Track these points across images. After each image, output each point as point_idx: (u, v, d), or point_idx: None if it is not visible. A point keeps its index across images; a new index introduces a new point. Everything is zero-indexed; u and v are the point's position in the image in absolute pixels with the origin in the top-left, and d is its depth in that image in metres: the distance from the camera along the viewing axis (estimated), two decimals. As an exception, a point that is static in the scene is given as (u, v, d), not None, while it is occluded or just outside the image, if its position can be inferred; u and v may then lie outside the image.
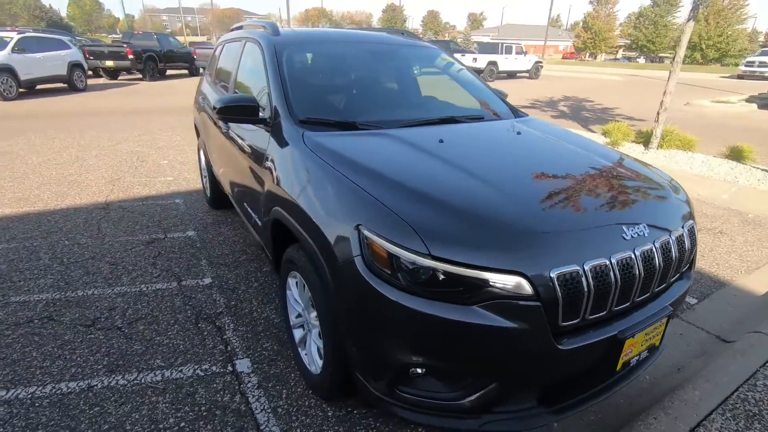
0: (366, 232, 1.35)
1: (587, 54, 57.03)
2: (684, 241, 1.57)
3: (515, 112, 2.65)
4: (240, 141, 2.49)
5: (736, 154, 5.78)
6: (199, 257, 3.21)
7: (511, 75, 21.79)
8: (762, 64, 22.75)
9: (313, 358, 1.89)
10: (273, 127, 2.10)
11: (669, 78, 5.84)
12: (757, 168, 5.51)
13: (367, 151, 1.80)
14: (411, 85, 2.88)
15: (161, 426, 1.78)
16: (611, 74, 27.27)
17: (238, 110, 2.13)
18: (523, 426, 1.39)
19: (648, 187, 1.74)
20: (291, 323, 2.12)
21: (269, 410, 1.87)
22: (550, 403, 1.43)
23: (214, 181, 3.77)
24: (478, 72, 19.77)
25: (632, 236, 1.41)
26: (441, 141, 1.93)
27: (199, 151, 4.20)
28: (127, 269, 3.01)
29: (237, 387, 1.99)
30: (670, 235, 1.52)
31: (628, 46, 56.91)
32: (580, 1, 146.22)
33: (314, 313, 1.83)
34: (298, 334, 2.08)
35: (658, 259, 1.44)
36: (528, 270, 1.23)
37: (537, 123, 2.51)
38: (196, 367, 2.12)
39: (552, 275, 1.24)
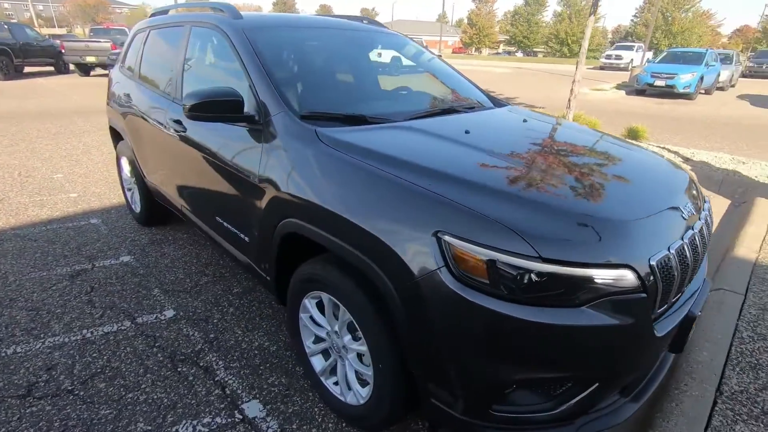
0: (450, 239, 1.17)
1: (473, 49, 61.23)
2: (709, 217, 1.66)
3: (495, 100, 2.62)
4: (209, 146, 2.08)
5: (633, 134, 6.59)
6: (148, 286, 2.67)
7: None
8: (618, 57, 26.50)
9: (351, 387, 1.65)
10: (265, 125, 1.77)
11: (576, 69, 6.43)
12: (655, 145, 6.35)
13: (406, 147, 1.59)
14: (405, 74, 2.68)
15: None
16: (500, 67, 29.56)
17: (218, 107, 1.76)
18: (614, 420, 1.34)
19: (671, 168, 1.80)
20: (307, 350, 1.83)
21: (306, 457, 1.59)
22: (628, 392, 1.40)
23: (147, 194, 3.19)
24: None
25: (688, 215, 1.44)
26: (467, 132, 1.79)
27: (119, 159, 3.52)
28: (54, 314, 2.38)
29: (256, 437, 1.67)
30: (704, 210, 1.59)
31: (507, 41, 62.49)
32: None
33: (348, 336, 1.60)
34: (318, 362, 1.81)
35: (705, 234, 1.50)
36: (634, 262, 1.16)
37: (523, 110, 2.51)
38: (194, 423, 1.73)
39: (652, 263, 1.19)
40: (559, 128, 2.17)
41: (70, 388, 1.88)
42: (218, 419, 1.75)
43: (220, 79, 2.23)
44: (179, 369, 2.01)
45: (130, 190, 3.57)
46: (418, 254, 1.21)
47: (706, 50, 14.13)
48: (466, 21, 62.99)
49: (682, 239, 1.33)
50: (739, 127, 8.80)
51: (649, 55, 24.13)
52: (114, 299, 2.54)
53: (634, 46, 27.62)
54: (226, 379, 1.96)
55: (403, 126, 1.81)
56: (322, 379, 1.80)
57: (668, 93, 13.18)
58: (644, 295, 1.17)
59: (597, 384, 1.25)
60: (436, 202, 1.24)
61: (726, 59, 15.95)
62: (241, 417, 1.76)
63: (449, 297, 1.16)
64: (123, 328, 2.29)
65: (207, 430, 1.70)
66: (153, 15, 3.26)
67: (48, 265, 2.87)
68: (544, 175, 1.46)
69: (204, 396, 1.86)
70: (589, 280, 1.12)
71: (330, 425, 1.74)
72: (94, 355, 2.09)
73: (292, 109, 1.75)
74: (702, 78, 13.03)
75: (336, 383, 1.77)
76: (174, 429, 1.70)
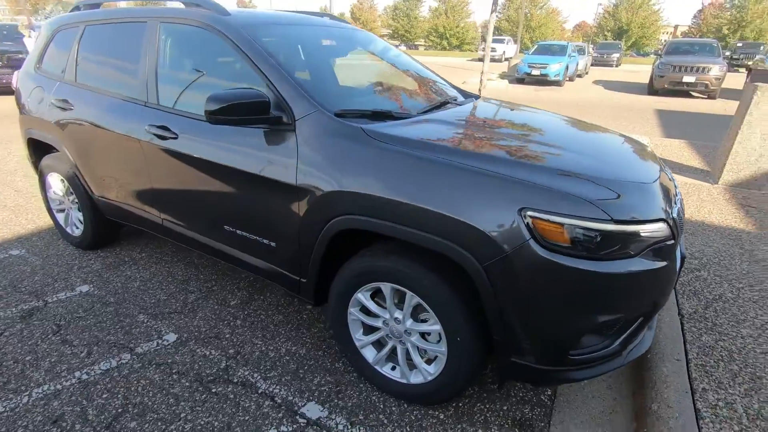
0: (534, 214, 1.34)
1: (359, 42, 62.13)
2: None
3: (465, 93, 2.84)
4: (218, 151, 1.94)
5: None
6: (129, 314, 2.40)
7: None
8: (493, 50, 29.31)
9: (417, 367, 1.74)
10: (297, 126, 1.74)
11: (484, 62, 7.09)
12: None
13: (450, 138, 1.71)
14: (391, 70, 2.72)
15: None
16: (390, 60, 30.55)
17: (245, 109, 1.68)
18: (645, 346, 1.67)
19: (642, 145, 2.19)
20: (357, 343, 1.88)
21: (387, 441, 1.66)
22: (647, 322, 1.74)
23: (95, 213, 2.81)
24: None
25: (671, 179, 1.82)
26: (485, 121, 1.97)
27: (44, 177, 3.01)
28: (25, 362, 2.03)
29: (331, 435, 1.68)
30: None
31: (390, 35, 64.66)
32: None
33: (410, 320, 1.70)
34: (369, 352, 1.87)
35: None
36: (666, 216, 1.46)
37: (497, 100, 2.77)
38: (260, 436, 1.67)
39: (674, 216, 1.51)
40: (545, 114, 2.44)
41: (94, 435, 1.67)
42: (283, 428, 1.71)
43: (219, 81, 2.08)
44: (214, 390, 1.89)
45: (62, 211, 3.09)
46: (506, 231, 1.36)
47: (568, 43, 16.43)
48: (348, 15, 63.49)
49: (677, 195, 1.69)
50: (604, 108, 10.49)
51: (516, 48, 27.13)
52: (95, 333, 2.23)
53: (504, 40, 30.72)
54: (271, 389, 1.90)
55: (428, 119, 1.92)
56: (377, 367, 1.86)
57: (542, 81, 15.05)
58: (673, 241, 1.49)
59: (641, 318, 1.55)
60: (514, 184, 1.40)
61: (580, 51, 18.70)
62: (305, 421, 1.75)
63: (539, 263, 1.34)
64: (124, 361, 2.05)
65: (291, 427, 1.66)
66: (76, 9, 2.85)
67: (-17, 310, 2.39)
68: (567, 153, 1.71)
69: (255, 410, 1.79)
70: (641, 233, 1.39)
71: (393, 408, 1.82)
72: (105, 395, 1.85)
73: (326, 108, 1.75)
74: (567, 67, 15.14)
75: (393, 368, 1.85)
76: (242, 447, 1.63)
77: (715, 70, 11.85)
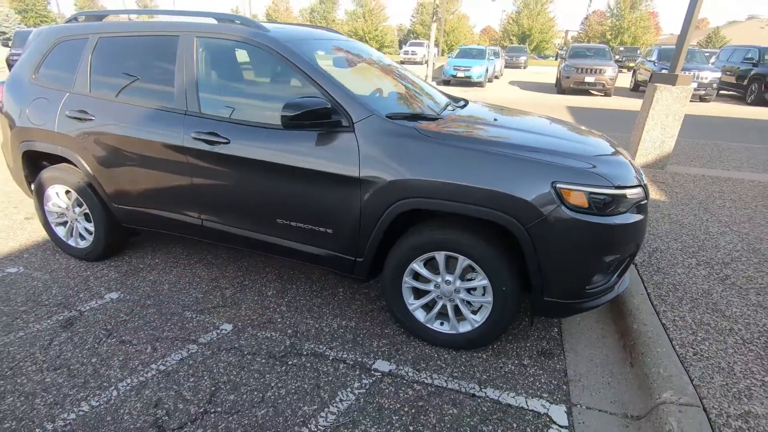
0: (563, 186, 1.84)
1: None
2: None
3: (454, 97, 3.31)
4: (275, 153, 2.19)
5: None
6: (174, 312, 2.52)
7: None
8: (413, 53, 30.67)
9: (466, 318, 2.17)
10: (356, 128, 2.08)
11: (427, 65, 7.68)
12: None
13: (484, 133, 2.15)
14: (395, 78, 2.97)
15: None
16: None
17: (316, 115, 2.00)
18: (626, 283, 2.26)
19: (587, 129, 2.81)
20: (410, 307, 2.26)
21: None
22: (631, 261, 2.32)
23: (110, 222, 2.85)
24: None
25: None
26: (495, 120, 2.45)
27: (43, 190, 2.94)
28: (93, 364, 2.11)
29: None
30: None
31: (309, 37, 64.21)
32: None
33: (459, 281, 2.12)
34: (420, 314, 2.27)
35: None
36: (641, 182, 2.05)
37: (483, 102, 3.28)
38: (348, 390, 1.98)
39: (644, 183, 2.10)
40: (528, 113, 2.98)
41: (201, 410, 1.86)
42: (364, 380, 2.04)
43: (265, 91, 2.32)
44: (290, 362, 2.16)
45: (63, 224, 3.04)
46: (543, 199, 1.84)
47: (486, 47, 17.88)
48: (264, 17, 61.92)
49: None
50: (525, 106, 11.74)
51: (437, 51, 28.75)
52: (149, 332, 2.35)
53: (423, 43, 32.25)
54: (340, 356, 2.21)
55: (455, 119, 2.35)
56: (428, 325, 2.26)
57: (466, 82, 16.27)
58: (646, 201, 2.08)
59: (628, 258, 2.12)
60: (546, 165, 1.88)
61: (496, 54, 20.41)
62: (379, 373, 2.09)
63: (567, 221, 1.84)
64: (193, 351, 2.22)
65: (363, 390, 1.99)
66: (73, 20, 2.85)
67: (12, 326, 2.37)
68: (566, 142, 2.24)
69: (334, 372, 2.10)
70: (629, 196, 1.95)
71: (446, 356, 2.23)
72: (192, 379, 2.03)
73: (378, 113, 2.11)
74: (487, 69, 16.53)
75: (441, 324, 2.26)
76: (336, 399, 1.93)
77: (610, 71, 13.82)
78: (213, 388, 1.98)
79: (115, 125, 2.55)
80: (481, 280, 2.07)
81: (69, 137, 2.68)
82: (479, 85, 16.33)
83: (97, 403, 1.88)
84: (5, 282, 2.79)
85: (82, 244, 3.02)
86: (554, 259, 1.92)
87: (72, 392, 1.94)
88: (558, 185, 1.85)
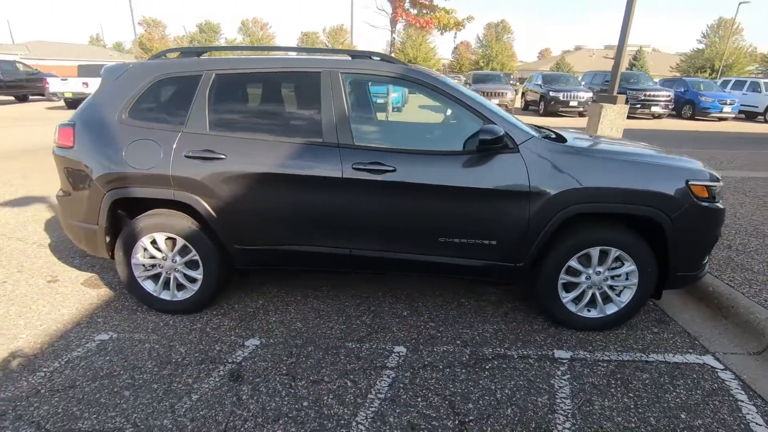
0: (693, 182, 2.39)
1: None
2: None
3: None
4: (447, 176, 2.42)
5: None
6: (336, 346, 2.49)
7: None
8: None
9: (614, 300, 2.59)
10: (521, 148, 2.39)
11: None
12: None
13: (617, 148, 2.64)
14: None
15: None
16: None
17: (500, 140, 2.28)
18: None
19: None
20: (563, 300, 2.60)
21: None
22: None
23: (224, 265, 2.68)
24: (93, 99, 16.60)
25: None
26: (599, 139, 2.97)
27: (138, 239, 2.60)
28: (321, 410, 2.03)
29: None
30: None
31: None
32: (123, 21, 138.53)
33: (607, 271, 2.54)
34: (571, 305, 2.62)
35: None
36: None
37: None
38: (548, 363, 2.24)
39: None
40: (597, 135, 3.57)
41: (457, 422, 1.95)
42: (559, 369, 2.31)
43: (427, 120, 2.48)
44: (487, 366, 2.33)
45: (155, 276, 2.73)
46: (681, 194, 2.37)
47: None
48: (137, 46, 57.05)
49: None
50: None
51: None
52: (331, 368, 2.30)
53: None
54: (521, 353, 2.45)
55: (579, 138, 2.79)
56: (579, 313, 2.62)
57: (384, 108, 17.21)
58: (721, 190, 2.75)
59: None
60: (679, 168, 2.43)
61: (401, 81, 21.91)
62: (566, 360, 2.39)
63: (698, 209, 2.39)
64: (392, 375, 2.25)
65: (569, 375, 2.26)
66: (161, 56, 2.67)
67: (176, 392, 2.12)
68: (669, 153, 2.80)
69: (528, 367, 2.33)
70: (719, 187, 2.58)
71: (598, 336, 2.61)
72: (419, 399, 2.09)
73: (534, 135, 2.46)
74: (402, 95, 17.69)
75: (589, 310, 2.64)
76: (556, 386, 2.17)
77: (510, 94, 15.95)
78: (446, 402, 2.07)
79: (252, 163, 2.46)
80: (628, 267, 2.51)
81: (188, 179, 2.48)
82: (398, 110, 17.39)
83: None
84: (110, 350, 2.42)
85: (180, 296, 2.74)
86: (688, 240, 2.45)
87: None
88: (690, 182, 2.40)
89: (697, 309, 2.95)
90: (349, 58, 2.60)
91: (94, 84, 16.61)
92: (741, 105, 16.97)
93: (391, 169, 2.42)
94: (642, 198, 2.38)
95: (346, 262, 2.63)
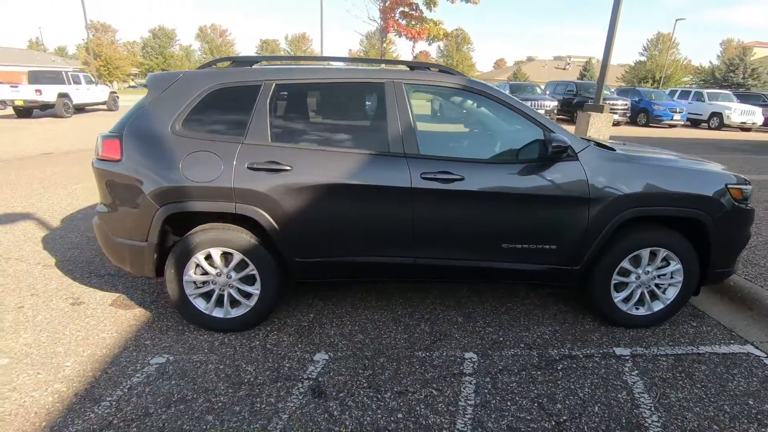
0: (731, 186, 2.60)
1: (109, 81, 53.59)
2: None
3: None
4: (512, 185, 2.49)
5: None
6: (408, 356, 2.48)
7: (81, 108, 18.40)
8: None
9: (660, 298, 2.74)
10: (580, 157, 2.50)
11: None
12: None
13: (658, 157, 2.80)
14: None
15: None
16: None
17: (565, 149, 2.38)
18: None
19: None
20: (615, 299, 2.73)
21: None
22: None
23: (281, 280, 2.62)
24: (48, 107, 15.57)
25: None
26: (642, 146, 3.15)
27: (187, 258, 2.48)
28: (428, 421, 2.02)
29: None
30: None
31: (142, 73, 58.23)
32: (63, 25, 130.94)
33: (649, 267, 2.70)
34: (621, 304, 2.76)
35: None
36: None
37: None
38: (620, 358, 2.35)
39: None
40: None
41: (553, 423, 2.00)
42: (625, 366, 2.43)
43: (490, 130, 2.54)
44: (559, 367, 2.40)
45: (207, 294, 2.61)
46: (722, 196, 2.57)
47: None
48: (84, 50, 53.95)
49: None
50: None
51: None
52: (410, 378, 2.29)
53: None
54: (584, 352, 2.54)
55: (621, 148, 2.94)
56: (629, 312, 2.76)
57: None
58: (743, 192, 3.01)
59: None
60: (719, 173, 2.62)
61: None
62: (628, 356, 2.51)
63: (736, 210, 2.60)
64: (474, 381, 2.28)
65: (637, 370, 2.37)
66: (207, 66, 2.59)
67: (261, 412, 2.04)
68: (702, 160, 3.02)
69: (597, 364, 2.43)
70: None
71: (646, 333, 2.76)
72: (508, 403, 2.12)
73: (591, 143, 2.58)
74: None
75: (637, 308, 2.79)
76: (630, 382, 2.28)
77: (551, 103, 16.74)
78: (536, 404, 2.12)
79: (319, 174, 2.42)
80: (674, 266, 2.68)
81: (252, 191, 2.40)
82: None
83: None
84: (172, 374, 2.29)
85: (234, 313, 2.64)
86: (728, 239, 2.66)
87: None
88: (729, 185, 2.61)
89: (722, 302, 3.18)
90: (408, 69, 2.63)
91: (48, 91, 15.55)
92: (688, 113, 18.44)
93: (459, 177, 2.46)
94: (690, 201, 2.56)
95: (409, 271, 2.64)
